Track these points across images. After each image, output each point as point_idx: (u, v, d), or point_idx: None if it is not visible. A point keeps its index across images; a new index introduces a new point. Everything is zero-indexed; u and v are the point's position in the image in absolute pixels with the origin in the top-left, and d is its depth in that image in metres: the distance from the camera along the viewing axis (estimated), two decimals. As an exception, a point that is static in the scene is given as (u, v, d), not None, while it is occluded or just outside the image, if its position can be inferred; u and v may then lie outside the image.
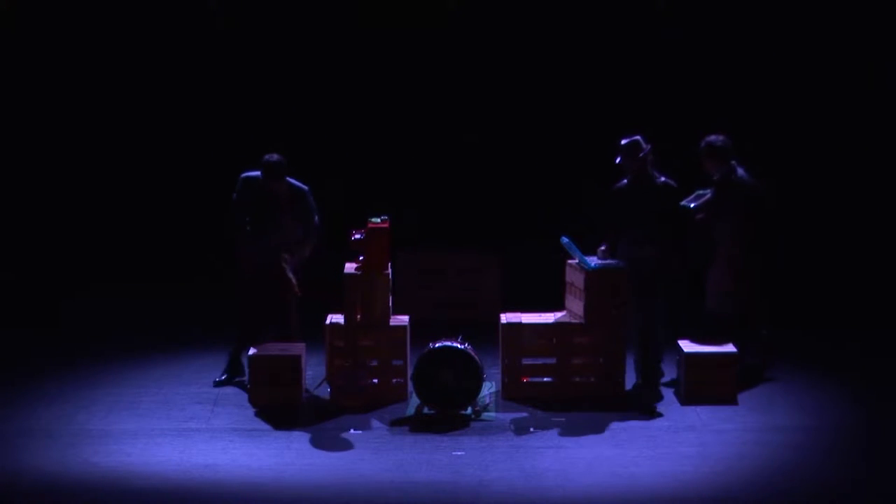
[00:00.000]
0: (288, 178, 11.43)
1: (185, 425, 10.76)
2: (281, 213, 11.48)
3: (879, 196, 15.44)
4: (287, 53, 15.51)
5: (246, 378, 11.56)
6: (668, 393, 11.45)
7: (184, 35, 15.49)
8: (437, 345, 11.07)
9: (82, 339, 13.13)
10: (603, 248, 11.37)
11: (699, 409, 11.07)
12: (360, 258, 11.39)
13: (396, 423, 10.84)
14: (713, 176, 11.62)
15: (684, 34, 15.17)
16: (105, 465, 9.89)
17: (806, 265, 15.16)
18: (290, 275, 11.45)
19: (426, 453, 10.16)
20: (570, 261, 11.48)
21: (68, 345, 12.95)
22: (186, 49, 15.50)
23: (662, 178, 11.30)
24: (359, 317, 11.36)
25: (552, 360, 11.42)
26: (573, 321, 11.40)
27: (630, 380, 11.48)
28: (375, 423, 10.86)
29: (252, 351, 11.33)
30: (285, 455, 10.13)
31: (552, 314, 11.56)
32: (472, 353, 11.03)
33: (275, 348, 11.41)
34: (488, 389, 11.43)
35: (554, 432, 10.61)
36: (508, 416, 10.98)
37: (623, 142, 11.33)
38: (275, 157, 11.37)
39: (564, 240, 11.23)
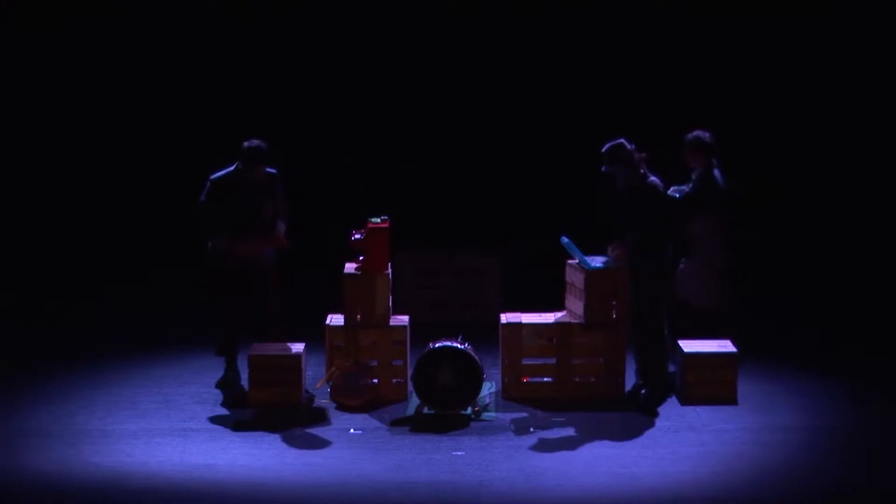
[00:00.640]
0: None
1: (185, 425, 10.76)
2: (260, 200, 11.41)
3: (880, 195, 15.44)
4: (286, 52, 15.51)
5: (235, 376, 11.60)
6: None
7: (184, 35, 15.51)
8: (437, 345, 11.07)
9: (82, 339, 13.13)
10: (613, 247, 11.29)
11: (699, 409, 11.06)
12: (360, 258, 11.39)
13: (396, 423, 10.84)
14: (693, 170, 11.62)
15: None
16: (105, 465, 9.89)
17: (806, 265, 15.17)
18: (277, 232, 11.38)
19: (426, 453, 10.16)
20: (570, 261, 11.48)
21: (68, 345, 12.95)
22: (185, 49, 15.50)
23: (651, 178, 11.16)
24: (359, 317, 11.36)
25: (552, 361, 11.42)
26: (573, 321, 11.40)
27: (630, 380, 11.46)
28: (375, 423, 10.86)
29: (252, 351, 11.33)
30: (285, 455, 10.13)
31: (552, 314, 11.56)
32: (472, 353, 11.03)
33: (275, 348, 11.41)
34: (488, 389, 11.43)
35: (554, 432, 10.61)
36: (508, 416, 10.98)
37: (605, 148, 11.20)
38: (255, 141, 11.31)
39: (564, 240, 11.23)
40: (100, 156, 15.65)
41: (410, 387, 11.22)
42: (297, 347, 11.44)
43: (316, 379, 11.60)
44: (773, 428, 10.64)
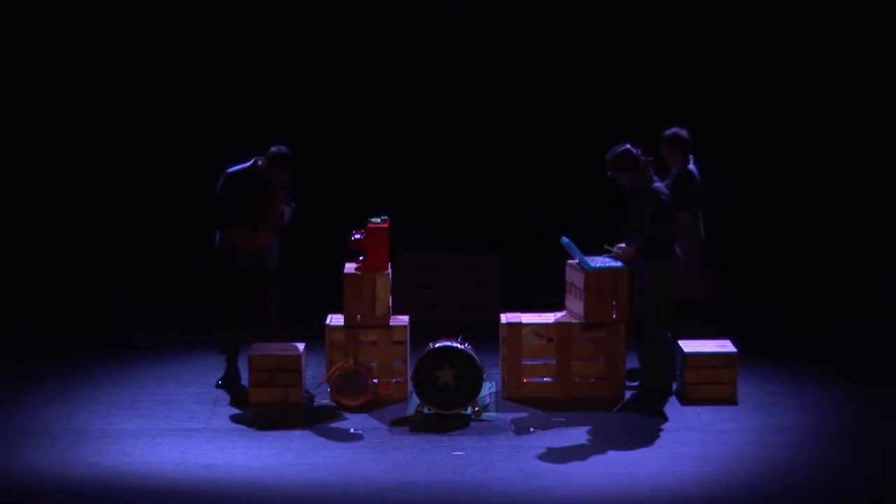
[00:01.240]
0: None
1: (185, 425, 10.76)
2: (277, 201, 11.49)
3: (880, 196, 15.44)
4: (286, 51, 15.50)
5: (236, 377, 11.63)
6: (667, 393, 11.48)
7: (183, 35, 15.51)
8: (437, 345, 11.07)
9: (83, 339, 13.13)
10: (622, 245, 11.27)
11: (699, 409, 11.06)
12: (360, 258, 11.40)
13: (396, 423, 10.84)
14: (671, 165, 11.71)
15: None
16: (105, 465, 9.89)
17: (806, 265, 15.16)
18: (284, 213, 11.45)
19: (426, 453, 10.16)
20: (570, 261, 11.48)
21: (68, 345, 12.94)
22: (184, 49, 15.50)
23: (656, 184, 11.17)
24: (359, 317, 11.37)
25: (552, 361, 11.42)
26: (573, 321, 11.40)
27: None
28: (375, 423, 10.86)
29: (252, 351, 11.34)
30: (285, 455, 10.13)
31: (552, 314, 11.56)
32: (472, 353, 11.03)
33: (275, 348, 11.41)
34: (488, 389, 11.43)
35: (554, 432, 10.61)
36: (508, 416, 10.98)
37: (610, 154, 11.20)
38: (283, 148, 11.39)
39: (564, 240, 11.23)
40: (101, 155, 15.63)
41: (410, 387, 11.22)
42: (297, 347, 11.44)
43: (316, 379, 11.60)
44: (773, 428, 10.64)
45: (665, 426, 10.73)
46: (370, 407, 11.17)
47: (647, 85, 15.32)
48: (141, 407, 11.18)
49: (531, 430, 10.67)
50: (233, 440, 10.44)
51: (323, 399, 11.35)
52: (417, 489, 9.46)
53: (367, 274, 11.34)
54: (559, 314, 11.56)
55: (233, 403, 11.28)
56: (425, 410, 10.98)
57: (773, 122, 15.47)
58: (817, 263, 15.15)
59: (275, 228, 11.52)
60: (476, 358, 11.01)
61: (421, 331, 11.77)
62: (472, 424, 10.79)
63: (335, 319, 11.45)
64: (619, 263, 11.21)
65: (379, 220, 11.39)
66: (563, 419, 10.88)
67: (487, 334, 11.94)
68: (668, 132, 11.76)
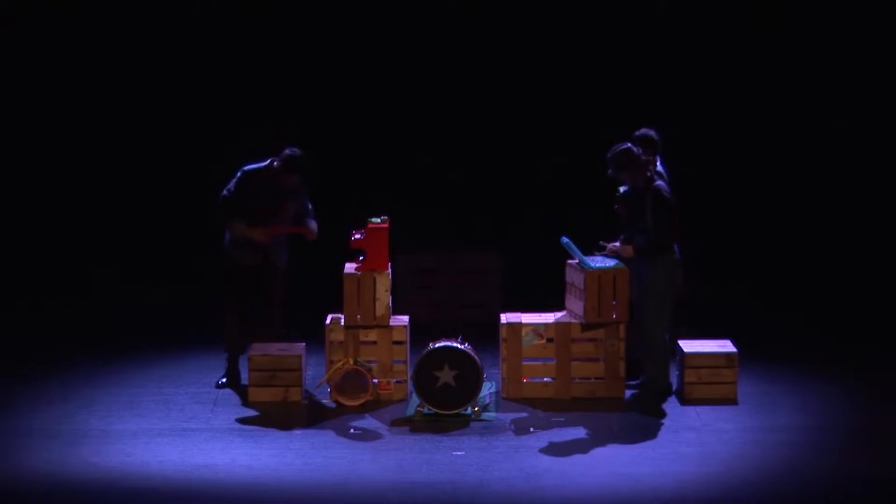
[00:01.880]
0: None
1: (185, 425, 10.76)
2: (286, 201, 11.51)
3: (881, 197, 15.44)
4: (288, 51, 15.51)
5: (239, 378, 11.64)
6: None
7: (183, 35, 15.51)
8: (437, 345, 11.07)
9: (83, 339, 13.13)
10: (616, 244, 11.29)
11: (699, 409, 11.06)
12: (360, 258, 11.40)
13: (396, 423, 10.84)
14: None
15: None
16: (105, 465, 9.89)
17: (806, 265, 15.16)
18: (308, 224, 11.49)
19: (426, 453, 10.16)
20: (570, 261, 11.48)
21: (68, 344, 12.94)
22: (184, 49, 15.51)
23: (657, 182, 11.17)
24: (359, 317, 11.37)
25: (552, 360, 11.42)
26: (573, 321, 11.40)
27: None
28: (375, 423, 10.86)
29: (252, 351, 11.34)
30: (285, 455, 10.13)
31: (552, 314, 11.56)
32: (472, 353, 11.03)
33: (275, 348, 11.42)
34: (488, 389, 11.43)
35: (554, 432, 10.61)
36: (508, 416, 10.97)
37: (611, 153, 11.20)
38: (298, 151, 11.39)
39: (564, 240, 11.23)
40: (102, 155, 15.63)
41: (410, 387, 11.22)
42: (297, 347, 11.44)
43: (316, 379, 11.60)
44: (773, 428, 10.64)
45: (665, 426, 10.73)
46: (370, 407, 11.17)
47: (647, 85, 15.33)
48: (141, 407, 11.18)
49: (531, 430, 10.67)
50: (233, 440, 10.44)
51: (323, 399, 11.35)
52: (417, 489, 9.46)
53: (367, 274, 11.34)
54: (559, 314, 11.56)
55: (233, 402, 11.29)
56: (425, 410, 10.97)
57: (767, 122, 15.49)
58: (816, 263, 15.15)
59: (299, 230, 11.52)
60: (476, 358, 11.01)
61: (421, 331, 11.77)
62: (472, 424, 10.79)
63: (335, 319, 11.45)
64: (618, 263, 11.21)
65: (379, 220, 11.39)
66: (563, 419, 10.88)
67: (487, 334, 11.94)
68: (638, 132, 11.67)
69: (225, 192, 11.49)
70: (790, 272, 15.05)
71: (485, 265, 14.20)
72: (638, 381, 11.43)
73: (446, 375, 10.93)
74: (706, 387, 11.25)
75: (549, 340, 11.41)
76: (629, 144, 11.17)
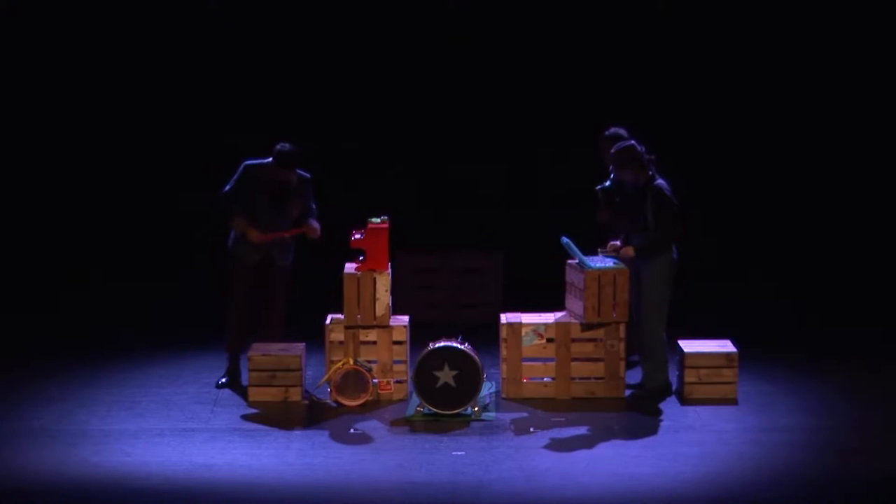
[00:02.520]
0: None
1: (185, 425, 10.76)
2: (289, 201, 11.51)
3: (881, 196, 15.44)
4: (288, 51, 15.51)
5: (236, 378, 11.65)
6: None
7: (182, 35, 15.51)
8: (437, 345, 11.07)
9: (83, 339, 13.13)
10: (617, 243, 11.30)
11: (699, 409, 11.06)
12: (360, 258, 11.40)
13: (396, 423, 10.84)
14: (609, 165, 11.67)
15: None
16: (105, 465, 9.89)
17: (806, 265, 15.16)
18: (312, 224, 11.48)
19: (426, 453, 10.17)
20: (570, 261, 11.48)
21: (68, 344, 12.94)
22: (187, 48, 15.51)
23: (658, 181, 11.16)
24: (359, 317, 11.37)
25: (552, 360, 11.42)
26: (573, 321, 11.40)
27: (630, 378, 11.47)
28: (375, 423, 10.86)
29: (252, 351, 11.34)
30: (285, 455, 10.13)
31: (552, 314, 11.56)
32: (472, 353, 11.03)
33: (275, 348, 11.42)
34: (488, 389, 11.43)
35: (554, 432, 10.61)
36: (508, 416, 10.98)
37: (613, 151, 11.19)
38: (288, 146, 11.37)
39: (564, 240, 11.23)
40: (102, 155, 15.63)
41: (410, 387, 11.22)
42: (297, 347, 11.45)
43: (316, 379, 11.60)
44: (773, 428, 10.64)
45: (665, 426, 10.73)
46: (370, 407, 11.17)
47: (645, 85, 15.33)
48: (141, 407, 11.18)
49: (531, 430, 10.67)
50: (233, 440, 10.44)
51: (323, 399, 11.35)
52: (417, 489, 9.46)
53: (367, 274, 11.35)
54: (559, 314, 11.56)
55: (233, 402, 11.29)
56: (425, 410, 10.98)
57: (767, 122, 15.50)
58: (816, 262, 15.15)
59: (302, 230, 11.52)
60: (476, 358, 11.01)
61: (421, 331, 11.77)
62: (472, 424, 10.79)
63: (335, 319, 11.45)
64: (617, 262, 11.21)
65: (379, 220, 11.39)
66: (563, 419, 10.88)
67: (487, 334, 11.94)
68: (608, 132, 11.66)
69: (230, 186, 11.50)
70: (790, 272, 15.05)
71: (485, 265, 14.20)
72: (637, 382, 11.43)
73: (446, 375, 10.94)
74: (706, 387, 11.25)
75: (549, 340, 11.41)
76: (632, 142, 11.18)
